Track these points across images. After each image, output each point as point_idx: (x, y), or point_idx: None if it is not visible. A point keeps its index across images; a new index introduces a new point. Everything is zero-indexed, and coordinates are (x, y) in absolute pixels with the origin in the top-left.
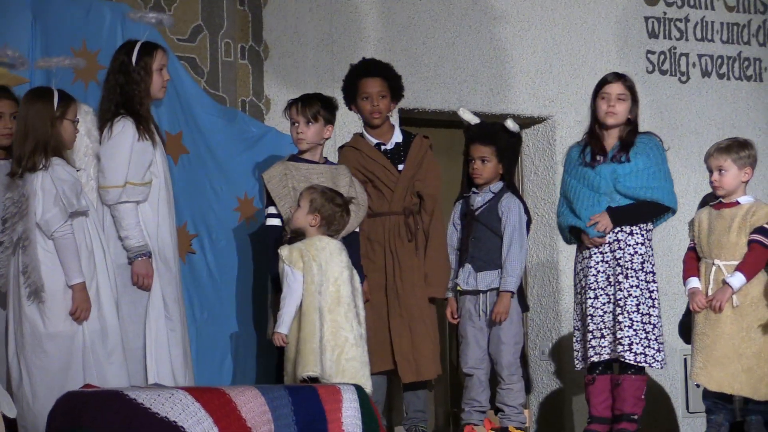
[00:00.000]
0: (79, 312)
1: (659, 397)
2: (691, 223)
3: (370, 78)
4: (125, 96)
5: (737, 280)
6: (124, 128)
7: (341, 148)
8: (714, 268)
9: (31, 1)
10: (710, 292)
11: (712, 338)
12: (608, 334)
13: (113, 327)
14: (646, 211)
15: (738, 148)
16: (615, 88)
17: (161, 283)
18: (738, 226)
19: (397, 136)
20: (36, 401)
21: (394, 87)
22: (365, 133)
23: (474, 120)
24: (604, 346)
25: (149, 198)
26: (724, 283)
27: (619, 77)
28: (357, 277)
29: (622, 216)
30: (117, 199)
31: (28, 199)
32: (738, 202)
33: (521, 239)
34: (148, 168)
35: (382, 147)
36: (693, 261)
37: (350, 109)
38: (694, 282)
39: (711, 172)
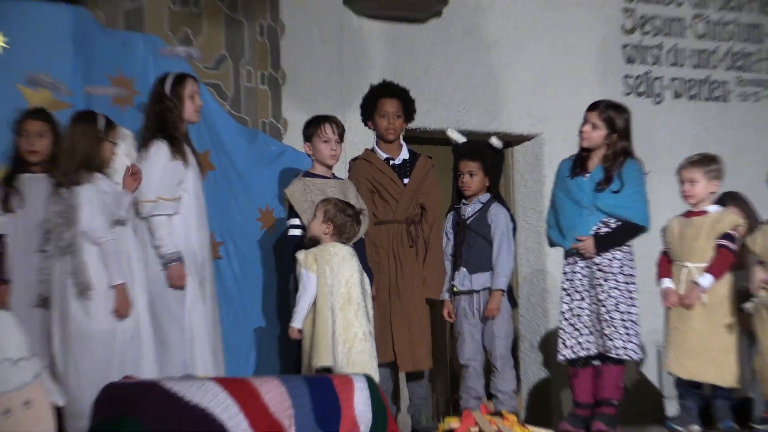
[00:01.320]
0: (121, 309)
1: (644, 384)
2: (664, 230)
3: (389, 98)
4: (161, 122)
5: (706, 280)
6: (158, 149)
7: (354, 160)
8: (685, 270)
9: (73, 34)
10: (682, 292)
11: (683, 332)
12: (593, 331)
13: (146, 324)
14: (624, 236)
15: (707, 162)
16: (589, 116)
17: (192, 286)
18: (706, 233)
19: (405, 154)
20: (81, 390)
21: (408, 109)
22: (377, 148)
23: (461, 139)
24: (590, 342)
25: (181, 212)
26: (695, 283)
27: (595, 106)
28: (367, 280)
29: (605, 243)
30: (150, 212)
31: (75, 209)
32: (706, 211)
33: (509, 243)
34: (178, 185)
35: (391, 162)
36: (666, 264)
37: (365, 124)
38: (666, 282)
39: (683, 183)
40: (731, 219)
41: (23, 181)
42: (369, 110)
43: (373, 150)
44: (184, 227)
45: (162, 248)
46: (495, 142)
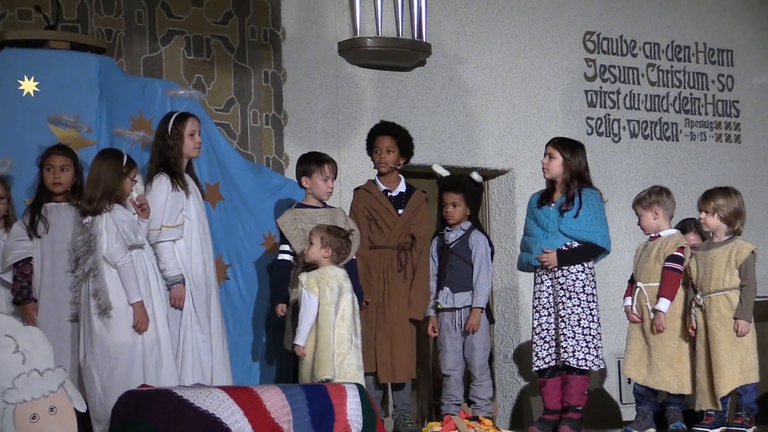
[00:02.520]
0: (140, 325)
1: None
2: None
3: (381, 135)
4: (163, 157)
5: (664, 304)
6: (160, 183)
7: (356, 189)
8: (638, 290)
9: (98, 79)
10: (635, 309)
11: (642, 343)
12: (556, 345)
13: (165, 337)
14: (585, 254)
15: (648, 195)
16: (547, 149)
17: (194, 304)
18: (655, 255)
19: (402, 187)
20: (106, 397)
21: (402, 144)
22: (377, 180)
23: (445, 173)
24: (554, 354)
25: (184, 235)
26: (656, 310)
27: (552, 141)
28: (356, 298)
29: (566, 258)
30: (156, 239)
31: (95, 237)
32: (659, 235)
33: (488, 266)
34: (180, 212)
35: (389, 193)
36: (629, 286)
37: (371, 159)
38: (627, 301)
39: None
40: (676, 241)
41: (48, 209)
42: (369, 147)
43: (374, 181)
44: (187, 251)
45: (166, 271)
46: (476, 176)
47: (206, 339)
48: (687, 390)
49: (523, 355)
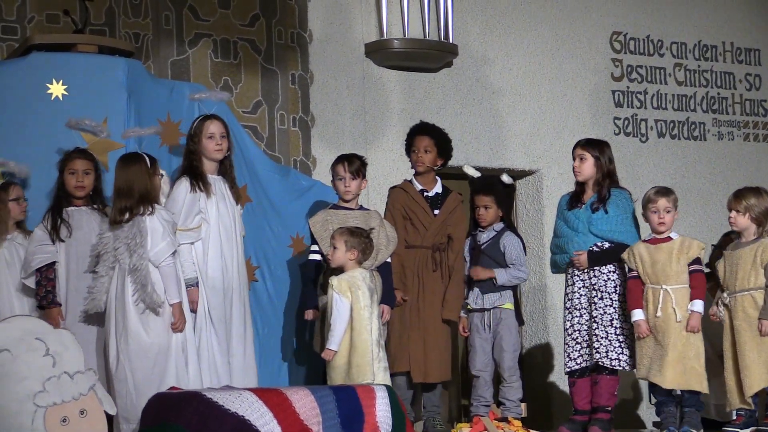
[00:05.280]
0: (179, 324)
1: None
2: (629, 255)
3: (420, 135)
4: (188, 160)
5: (699, 305)
6: (178, 185)
7: (392, 188)
8: (662, 292)
9: (127, 83)
10: (659, 312)
11: (662, 346)
12: (590, 345)
13: (191, 339)
14: (616, 255)
15: (673, 193)
16: (577, 151)
17: (208, 306)
18: (676, 257)
19: (438, 188)
20: (138, 397)
21: (440, 146)
22: (414, 180)
23: (476, 174)
24: (588, 354)
25: (202, 238)
26: (692, 311)
27: (579, 142)
28: (378, 298)
29: (597, 259)
30: None
31: (143, 236)
32: (670, 237)
33: (520, 264)
34: (196, 215)
35: (425, 193)
36: (638, 289)
37: (409, 159)
38: (638, 314)
39: (656, 212)
40: (698, 244)
41: (69, 213)
42: (407, 146)
43: (410, 181)
44: (203, 253)
45: (183, 273)
46: (506, 179)
47: (221, 342)
48: (706, 389)
49: (552, 355)
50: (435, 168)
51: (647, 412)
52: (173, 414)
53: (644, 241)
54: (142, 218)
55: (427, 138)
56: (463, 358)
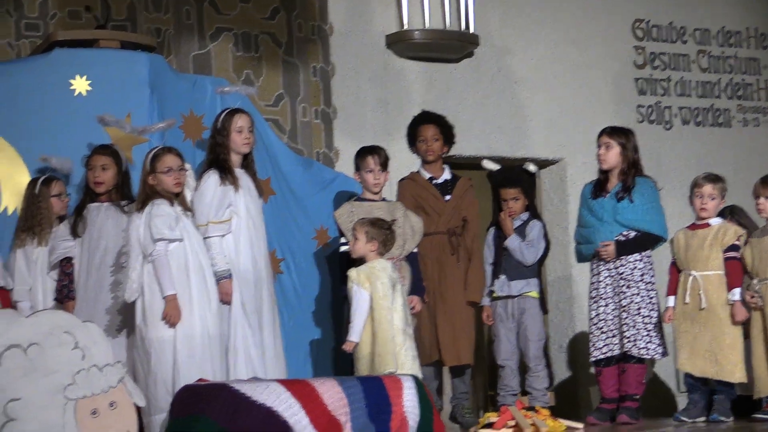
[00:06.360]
0: (170, 318)
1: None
2: (671, 242)
3: (426, 124)
4: (214, 153)
5: (736, 294)
6: (207, 178)
7: (401, 180)
8: (691, 278)
9: (149, 78)
10: (688, 297)
11: (693, 335)
12: (617, 334)
13: (203, 333)
14: (643, 243)
15: (722, 181)
16: (603, 139)
17: (242, 299)
18: (710, 244)
19: (447, 175)
20: (148, 390)
21: (446, 133)
22: (421, 169)
23: (495, 167)
24: (615, 344)
25: (233, 231)
26: (732, 301)
27: (604, 130)
28: (404, 288)
29: (624, 248)
30: (204, 235)
31: (128, 233)
32: (709, 224)
33: (533, 246)
34: (227, 208)
35: (434, 181)
36: (674, 276)
37: (411, 150)
38: (668, 301)
39: (700, 198)
40: (735, 230)
41: (89, 209)
42: (412, 137)
43: (418, 171)
44: (234, 246)
45: (214, 266)
46: (532, 168)
47: (255, 334)
48: (743, 378)
49: (578, 344)
50: (442, 155)
51: (680, 400)
52: (202, 406)
53: (686, 227)
54: (135, 214)
55: (433, 126)
56: (488, 347)
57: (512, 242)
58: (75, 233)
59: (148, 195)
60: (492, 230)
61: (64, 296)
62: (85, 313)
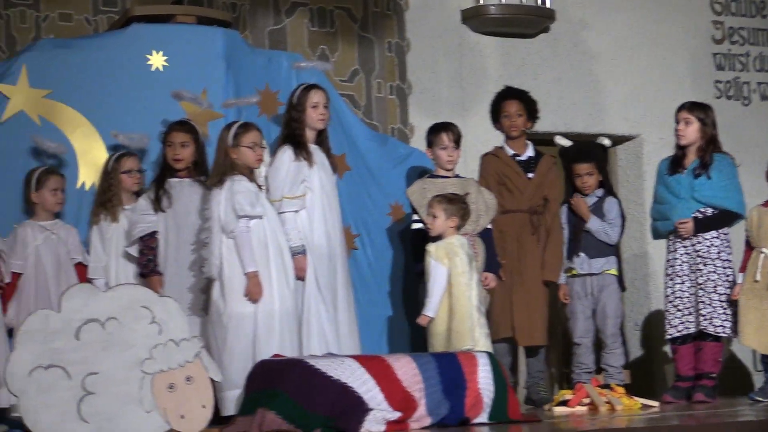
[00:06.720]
0: (252, 295)
1: (735, 359)
2: (747, 219)
3: (509, 100)
4: (289, 128)
5: None
6: (282, 154)
7: (485, 155)
8: (762, 256)
9: (225, 54)
10: (759, 275)
11: (762, 311)
12: (693, 312)
13: (283, 309)
14: (721, 221)
15: None
16: (682, 115)
17: (316, 274)
18: None
19: (530, 152)
20: (221, 366)
21: (530, 108)
22: (505, 145)
23: (567, 143)
24: (691, 321)
25: (307, 206)
26: None
27: (684, 105)
28: (477, 265)
29: (703, 225)
30: (278, 210)
31: (210, 208)
32: None
33: (615, 225)
34: (301, 183)
35: (517, 158)
36: (747, 253)
37: (495, 127)
38: (740, 278)
39: None
40: None
41: (171, 184)
42: (495, 113)
43: (501, 147)
44: (309, 222)
45: (289, 242)
46: (606, 141)
47: (329, 309)
48: None
49: (654, 322)
50: (526, 131)
51: (756, 379)
52: (277, 381)
53: (761, 204)
54: (217, 189)
55: (517, 102)
56: (563, 325)
57: (594, 224)
58: (159, 208)
59: (227, 169)
60: (565, 208)
61: (150, 270)
62: (175, 289)
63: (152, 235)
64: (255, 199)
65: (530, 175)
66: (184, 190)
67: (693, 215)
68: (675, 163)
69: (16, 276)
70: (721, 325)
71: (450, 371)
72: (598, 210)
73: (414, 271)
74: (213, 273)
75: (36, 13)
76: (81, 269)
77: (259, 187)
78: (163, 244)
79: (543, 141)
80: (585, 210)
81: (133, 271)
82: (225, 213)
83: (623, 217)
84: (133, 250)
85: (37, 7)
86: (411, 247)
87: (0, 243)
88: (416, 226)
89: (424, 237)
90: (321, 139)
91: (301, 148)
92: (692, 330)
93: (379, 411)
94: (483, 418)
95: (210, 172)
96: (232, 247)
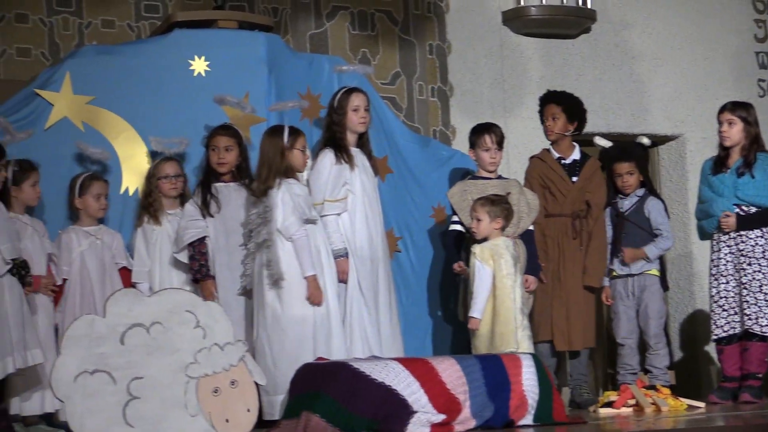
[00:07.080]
0: (313, 298)
1: None
2: None
3: (547, 104)
4: (330, 132)
5: None
6: (323, 157)
7: (531, 158)
8: None
9: (267, 58)
10: None
11: None
12: (739, 312)
13: (335, 311)
14: (764, 219)
15: None
16: (725, 116)
17: (358, 277)
18: None
19: (576, 154)
20: (276, 370)
21: (569, 110)
22: (551, 148)
23: (607, 144)
24: (736, 321)
25: (348, 209)
26: None
27: (726, 106)
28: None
29: (746, 222)
30: (320, 213)
31: (271, 210)
32: None
33: (666, 231)
34: (342, 186)
35: (562, 161)
36: None
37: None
38: None
39: None
40: None
41: (218, 189)
42: (541, 116)
43: (548, 150)
44: (350, 225)
45: (331, 244)
46: (645, 140)
47: (371, 312)
48: None
49: (699, 322)
50: (567, 134)
51: None
52: (321, 384)
53: None
54: (274, 191)
55: (554, 105)
56: (607, 326)
57: (653, 253)
58: (208, 213)
59: (284, 171)
60: (608, 210)
61: (204, 275)
62: (229, 293)
63: (202, 240)
64: (311, 203)
65: (574, 179)
66: (231, 195)
67: (735, 212)
68: (718, 163)
69: (62, 281)
70: (767, 325)
71: (494, 373)
72: (638, 211)
73: (445, 267)
74: (281, 274)
75: (79, 20)
76: (125, 274)
77: None
78: (213, 249)
79: (584, 142)
80: (639, 254)
81: (177, 275)
82: (284, 217)
83: (668, 216)
84: (183, 256)
85: (80, 14)
86: (444, 248)
87: (50, 246)
88: (454, 227)
89: (459, 239)
90: (362, 142)
91: (342, 151)
92: (738, 330)
93: (424, 413)
94: (528, 420)
95: (254, 176)
96: (289, 250)
